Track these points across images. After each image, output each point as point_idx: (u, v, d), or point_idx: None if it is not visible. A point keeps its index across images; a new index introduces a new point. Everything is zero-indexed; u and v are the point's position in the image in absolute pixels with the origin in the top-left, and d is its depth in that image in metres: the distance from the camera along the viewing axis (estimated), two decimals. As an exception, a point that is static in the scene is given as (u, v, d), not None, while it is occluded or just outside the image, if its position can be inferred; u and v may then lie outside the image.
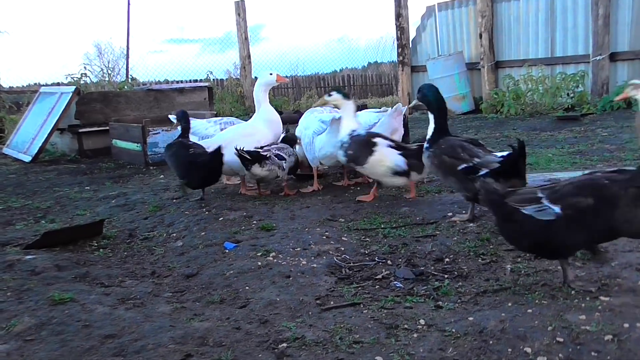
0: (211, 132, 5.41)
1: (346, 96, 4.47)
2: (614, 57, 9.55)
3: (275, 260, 3.12)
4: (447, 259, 3.08)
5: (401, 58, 12.89)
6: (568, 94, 9.44)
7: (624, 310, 2.19)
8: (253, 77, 13.76)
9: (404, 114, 5.08)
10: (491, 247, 3.19)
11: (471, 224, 3.61)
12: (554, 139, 6.46)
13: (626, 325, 2.06)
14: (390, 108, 5.03)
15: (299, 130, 5.25)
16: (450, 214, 3.85)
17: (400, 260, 3.10)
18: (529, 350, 1.97)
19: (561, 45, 10.43)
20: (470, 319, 2.25)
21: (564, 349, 1.95)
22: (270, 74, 5.06)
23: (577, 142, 5.94)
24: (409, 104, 12.96)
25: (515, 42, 11.10)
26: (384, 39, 26.95)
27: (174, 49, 26.09)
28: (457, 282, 2.75)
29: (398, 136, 5.20)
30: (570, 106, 9.19)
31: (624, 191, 2.23)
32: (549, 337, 2.03)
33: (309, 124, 5.14)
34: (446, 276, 2.84)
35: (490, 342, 2.06)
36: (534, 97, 9.48)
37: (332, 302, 2.58)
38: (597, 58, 9.62)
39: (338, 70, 24.82)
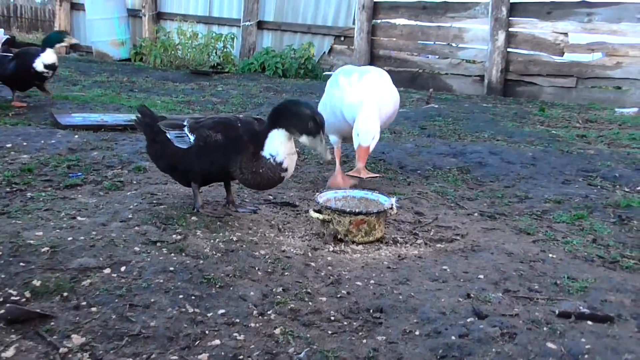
0: None
1: None
2: (261, 25, 10.49)
3: None
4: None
5: (60, -8, 11.80)
6: (216, 53, 10.03)
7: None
8: None
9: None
10: (29, 177, 3.15)
11: (24, 155, 3.52)
12: (175, 89, 6.80)
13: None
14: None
15: None
16: (10, 144, 3.71)
17: None
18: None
19: (218, 7, 10.98)
20: None
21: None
22: None
23: (192, 94, 6.34)
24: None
25: (178, -3, 11.26)
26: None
27: None
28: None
29: None
30: (216, 64, 9.78)
31: (246, 139, 2.49)
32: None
33: None
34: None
35: None
36: (185, 50, 9.78)
37: None
38: (247, 24, 10.44)
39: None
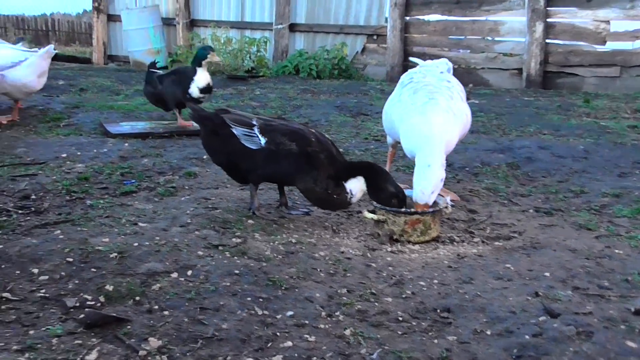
0: None
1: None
2: (293, 27, 10.53)
3: None
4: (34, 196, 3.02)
5: (96, 4, 12.10)
6: (250, 57, 10.11)
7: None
8: None
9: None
10: (86, 185, 3.24)
11: (79, 165, 3.62)
12: (214, 94, 6.88)
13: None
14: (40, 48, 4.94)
15: None
16: (65, 154, 3.83)
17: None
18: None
19: (250, 12, 11.06)
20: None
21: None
22: None
23: (231, 99, 6.41)
24: (103, 52, 12.37)
25: (210, 3, 11.38)
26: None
27: None
28: (25, 217, 2.71)
29: (44, 79, 5.06)
30: (250, 68, 9.86)
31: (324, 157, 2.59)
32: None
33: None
34: (20, 212, 2.77)
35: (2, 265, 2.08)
36: (220, 57, 9.86)
37: None
38: (279, 27, 10.50)
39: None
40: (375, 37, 9.81)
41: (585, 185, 3.31)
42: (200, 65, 4.61)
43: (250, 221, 2.63)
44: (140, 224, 2.56)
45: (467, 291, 2.01)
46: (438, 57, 9.20)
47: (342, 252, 2.34)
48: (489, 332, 1.75)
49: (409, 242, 2.53)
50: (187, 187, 3.24)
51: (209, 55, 4.62)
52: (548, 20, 8.19)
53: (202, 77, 4.62)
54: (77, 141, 4.24)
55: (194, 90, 4.59)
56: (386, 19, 9.59)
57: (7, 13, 19.87)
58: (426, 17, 9.42)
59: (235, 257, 2.20)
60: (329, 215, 2.84)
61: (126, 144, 4.15)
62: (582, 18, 7.98)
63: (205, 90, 4.65)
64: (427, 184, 2.57)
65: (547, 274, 2.13)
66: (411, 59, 4.25)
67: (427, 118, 2.77)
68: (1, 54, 4.75)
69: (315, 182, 2.58)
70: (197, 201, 2.93)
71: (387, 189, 2.54)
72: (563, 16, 8.17)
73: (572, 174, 3.56)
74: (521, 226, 2.72)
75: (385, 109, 3.28)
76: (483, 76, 8.85)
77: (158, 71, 5.02)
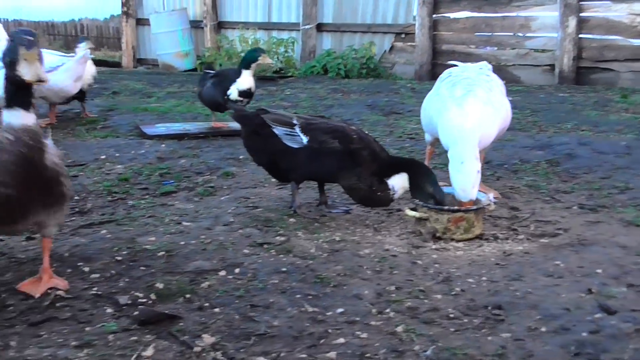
0: None
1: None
2: (320, 27, 10.55)
3: None
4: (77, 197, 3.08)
5: (125, 9, 12.30)
6: (278, 58, 10.15)
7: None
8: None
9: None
10: (127, 185, 3.29)
11: (118, 166, 3.68)
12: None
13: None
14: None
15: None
16: (103, 156, 3.89)
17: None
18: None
19: (277, 13, 11.11)
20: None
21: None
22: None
23: (262, 99, 6.44)
24: (133, 56, 12.56)
25: (237, 5, 11.47)
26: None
27: None
28: (71, 217, 2.76)
29: (81, 83, 5.14)
30: (279, 69, 9.90)
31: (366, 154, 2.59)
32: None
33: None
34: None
35: (54, 264, 2.12)
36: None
37: None
38: (306, 27, 10.52)
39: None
40: (403, 35, 9.75)
41: (630, 182, 3.23)
42: (247, 68, 4.39)
43: (292, 219, 2.64)
44: (184, 223, 2.59)
45: (518, 288, 1.97)
46: (468, 54, 9.17)
47: (387, 250, 2.33)
48: (543, 329, 1.72)
49: (452, 239, 2.50)
50: (225, 187, 3.27)
51: (260, 58, 4.39)
52: (581, 14, 8.03)
53: (245, 80, 4.39)
54: (114, 143, 4.31)
55: (233, 92, 4.40)
56: (414, 17, 9.52)
57: (38, 19, 20.34)
58: (455, 15, 9.33)
59: (281, 255, 2.21)
60: (369, 213, 2.83)
61: (163, 145, 4.21)
62: (617, 12, 7.81)
63: (245, 94, 4.44)
64: (465, 181, 2.52)
65: (598, 270, 2.08)
66: (451, 62, 4.18)
67: (464, 110, 2.72)
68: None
69: (358, 180, 2.57)
70: (237, 200, 2.95)
71: (426, 189, 2.51)
72: (597, 10, 8.00)
73: (615, 170, 3.48)
74: (566, 223, 2.66)
75: (423, 105, 3.26)
76: (514, 73, 8.72)
77: (212, 72, 4.87)
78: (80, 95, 5.17)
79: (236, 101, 4.42)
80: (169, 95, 6.91)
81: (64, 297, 1.91)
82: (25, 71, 1.73)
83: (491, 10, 8.92)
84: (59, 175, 1.87)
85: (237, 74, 4.42)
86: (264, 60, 4.43)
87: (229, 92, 4.41)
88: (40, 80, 1.73)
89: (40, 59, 1.75)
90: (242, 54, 10.02)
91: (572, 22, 7.99)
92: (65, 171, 1.93)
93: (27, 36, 1.76)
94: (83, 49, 5.16)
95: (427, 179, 2.54)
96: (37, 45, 1.76)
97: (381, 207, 2.76)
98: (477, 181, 2.56)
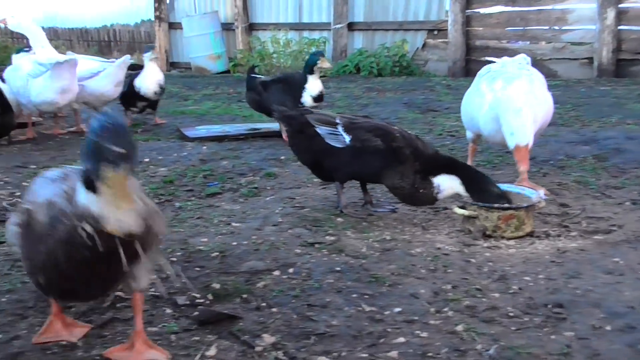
0: None
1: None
2: (351, 26, 10.53)
3: None
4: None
5: (158, 13, 12.49)
6: (310, 58, 10.17)
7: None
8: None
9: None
10: (172, 188, 3.34)
11: (162, 169, 3.74)
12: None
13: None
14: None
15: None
16: (147, 159, 3.96)
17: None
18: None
19: (308, 13, 11.14)
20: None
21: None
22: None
23: (297, 99, 6.46)
24: (166, 60, 12.75)
25: (268, 7, 11.53)
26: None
27: None
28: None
29: (120, 88, 5.23)
30: (311, 69, 9.92)
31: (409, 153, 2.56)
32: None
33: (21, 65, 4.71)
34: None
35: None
36: (280, 59, 10.00)
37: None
38: (337, 27, 10.52)
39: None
40: (435, 32, 9.65)
41: (684, 176, 3.15)
42: (312, 72, 4.27)
43: (339, 219, 2.64)
44: (233, 223, 2.62)
45: (577, 286, 1.94)
46: (503, 49, 9.02)
47: (438, 249, 2.31)
48: (608, 328, 1.68)
49: (502, 237, 2.47)
50: (269, 188, 3.29)
51: (319, 61, 4.27)
52: (620, 6, 7.83)
53: (314, 85, 4.27)
54: (157, 146, 4.38)
55: (307, 99, 4.25)
56: (446, 12, 9.41)
57: (72, 27, 20.82)
58: (488, 10, 9.19)
59: (334, 255, 2.21)
60: (416, 212, 2.81)
61: (204, 147, 4.26)
62: (658, 1, 7.59)
63: (319, 98, 4.32)
64: (526, 119, 2.65)
65: (661, 268, 2.03)
66: (486, 58, 4.20)
67: (509, 97, 2.80)
68: (81, 66, 4.97)
69: (402, 178, 2.55)
70: (283, 201, 2.97)
71: (493, 191, 2.46)
72: (636, 1, 7.79)
73: (666, 164, 3.39)
74: (619, 219, 2.60)
75: (463, 102, 3.26)
76: (550, 67, 8.54)
77: (259, 76, 4.84)
78: (153, 104, 5.20)
79: (311, 108, 4.12)
80: (204, 98, 6.99)
81: (124, 298, 1.95)
82: (106, 212, 1.25)
83: (526, 4, 8.76)
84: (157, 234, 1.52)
85: (304, 80, 4.30)
86: (323, 63, 4.32)
87: (302, 100, 4.26)
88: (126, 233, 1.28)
89: (131, 184, 1.24)
90: (274, 55, 10.13)
91: (611, 14, 7.79)
92: (159, 212, 1.55)
93: (116, 144, 1.18)
94: (149, 57, 5.18)
95: (486, 180, 2.51)
96: (131, 160, 1.21)
97: (424, 205, 2.73)
98: (533, 126, 2.72)
